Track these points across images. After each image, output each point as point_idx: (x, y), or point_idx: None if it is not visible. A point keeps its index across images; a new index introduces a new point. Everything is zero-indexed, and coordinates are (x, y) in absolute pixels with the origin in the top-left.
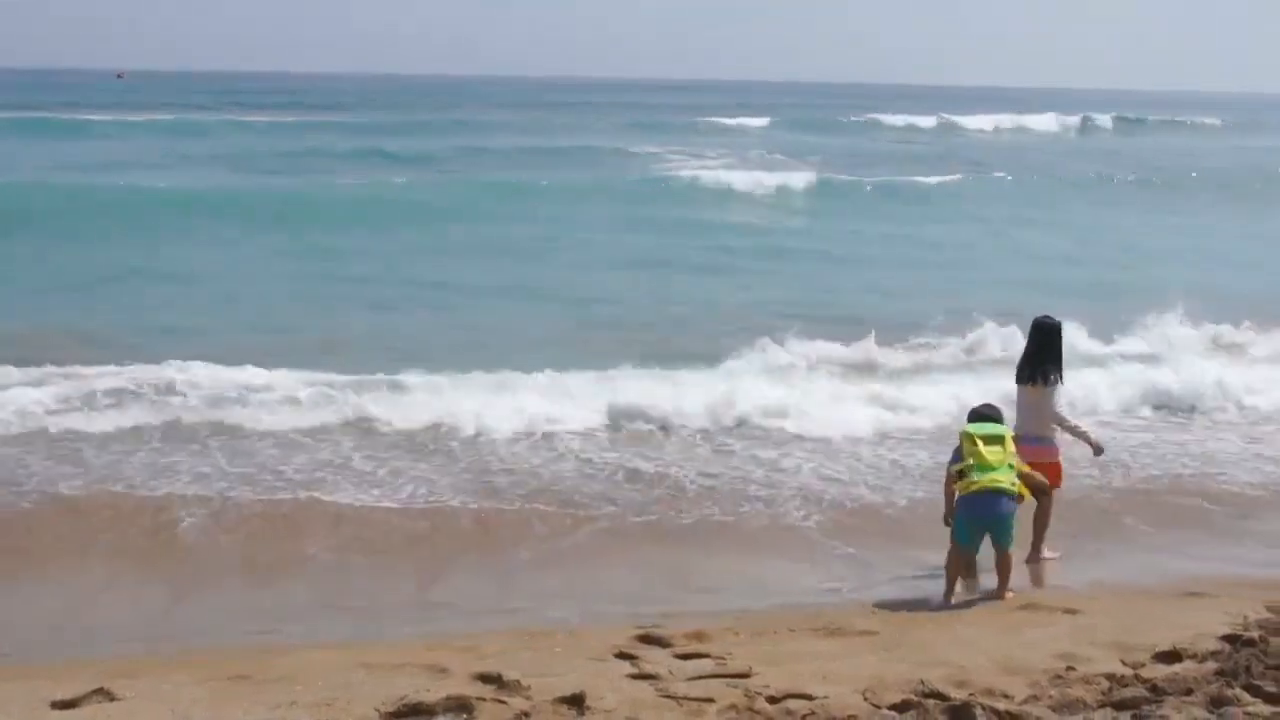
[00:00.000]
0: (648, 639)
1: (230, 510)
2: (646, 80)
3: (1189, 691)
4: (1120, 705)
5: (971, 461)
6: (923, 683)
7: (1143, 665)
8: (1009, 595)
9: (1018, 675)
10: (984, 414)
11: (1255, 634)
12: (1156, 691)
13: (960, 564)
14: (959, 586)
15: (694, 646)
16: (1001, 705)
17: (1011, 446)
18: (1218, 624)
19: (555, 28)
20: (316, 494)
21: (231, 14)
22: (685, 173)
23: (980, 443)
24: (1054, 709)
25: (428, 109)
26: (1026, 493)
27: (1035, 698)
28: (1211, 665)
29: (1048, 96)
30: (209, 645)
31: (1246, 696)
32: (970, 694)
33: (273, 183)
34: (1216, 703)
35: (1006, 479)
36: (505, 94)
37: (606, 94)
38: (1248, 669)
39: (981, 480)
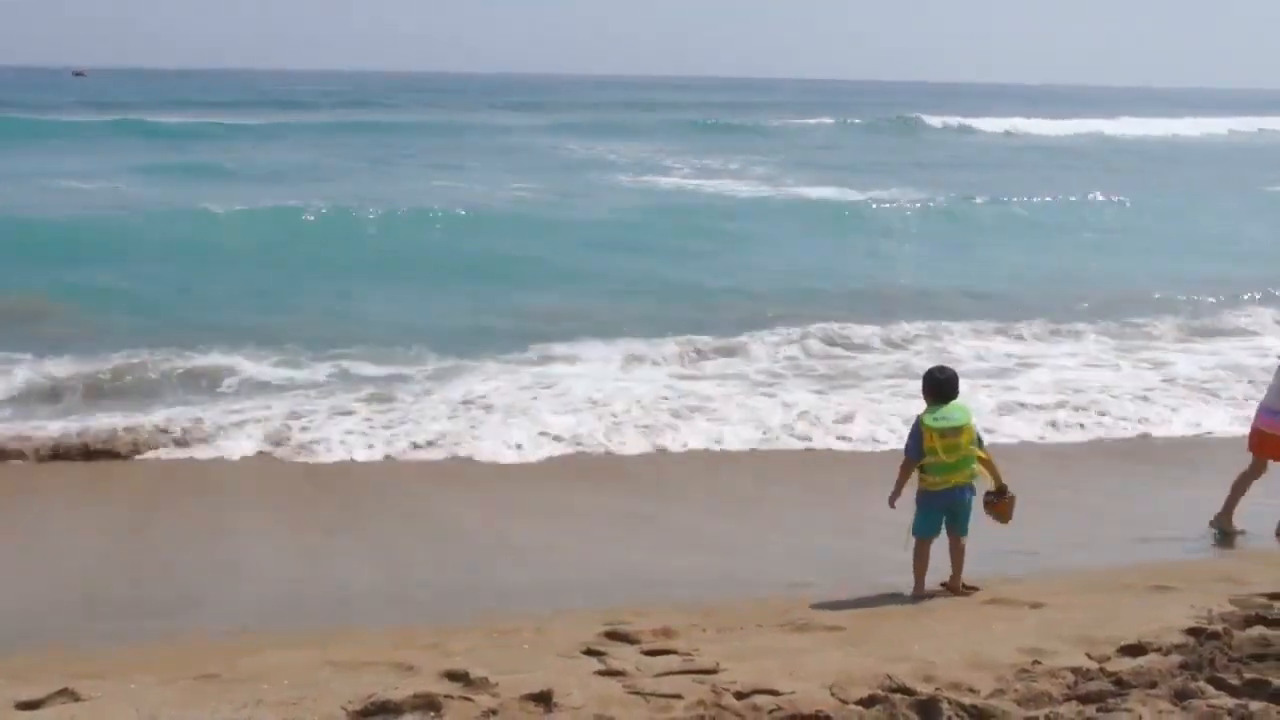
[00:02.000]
0: (615, 635)
1: None
2: (650, 78)
3: (1154, 684)
4: (1086, 699)
5: (930, 460)
6: (890, 677)
7: (1108, 659)
8: (965, 587)
9: (984, 669)
10: (939, 384)
11: (1219, 627)
12: (1121, 685)
13: (925, 556)
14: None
15: (661, 643)
16: (968, 699)
17: (970, 435)
18: (1182, 617)
19: (553, 26)
20: None
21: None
22: None
23: (938, 439)
24: (1020, 703)
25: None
26: (989, 477)
27: (1001, 691)
28: (1176, 658)
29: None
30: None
31: (1210, 689)
32: (937, 688)
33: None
34: (1181, 695)
35: (965, 476)
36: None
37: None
38: (1211, 661)
39: (940, 482)
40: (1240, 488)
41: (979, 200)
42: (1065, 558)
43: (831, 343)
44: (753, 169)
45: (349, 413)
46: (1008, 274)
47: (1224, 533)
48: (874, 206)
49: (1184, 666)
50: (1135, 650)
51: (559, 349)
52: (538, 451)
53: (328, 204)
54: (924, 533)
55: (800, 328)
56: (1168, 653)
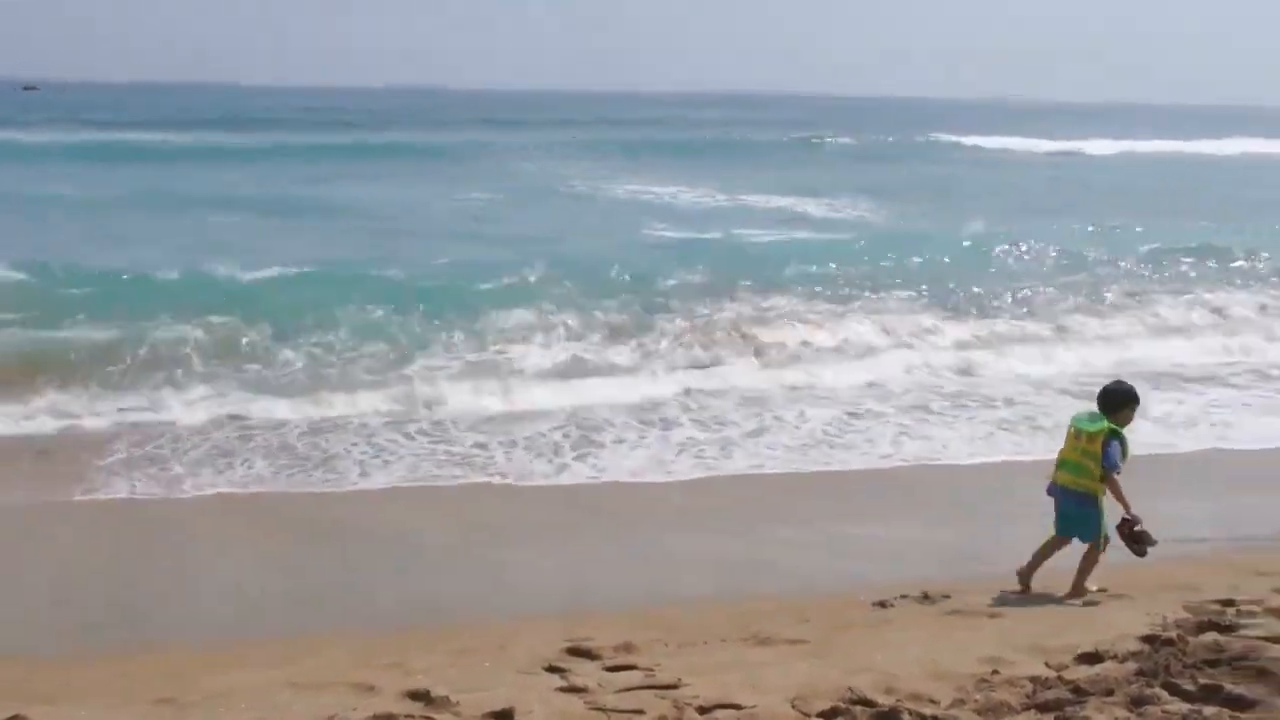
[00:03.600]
0: (576, 652)
1: None
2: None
3: (1110, 692)
4: (1044, 707)
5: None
6: (851, 689)
7: (1066, 667)
8: (1090, 590)
9: (944, 680)
10: (1103, 394)
11: (1174, 634)
12: (1079, 692)
13: (1044, 548)
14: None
15: (623, 658)
16: (928, 710)
17: (1090, 446)
18: (1138, 625)
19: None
20: None
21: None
22: None
23: (1070, 435)
24: (980, 713)
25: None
26: (1098, 487)
27: (961, 701)
28: (1132, 665)
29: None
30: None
31: (1165, 695)
32: (897, 700)
33: None
34: (1137, 702)
35: (1071, 478)
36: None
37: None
38: (1166, 668)
39: (1055, 475)
40: None
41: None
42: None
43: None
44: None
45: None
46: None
47: None
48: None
49: (1140, 673)
50: (1092, 658)
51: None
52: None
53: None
54: (1054, 529)
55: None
56: (1124, 660)
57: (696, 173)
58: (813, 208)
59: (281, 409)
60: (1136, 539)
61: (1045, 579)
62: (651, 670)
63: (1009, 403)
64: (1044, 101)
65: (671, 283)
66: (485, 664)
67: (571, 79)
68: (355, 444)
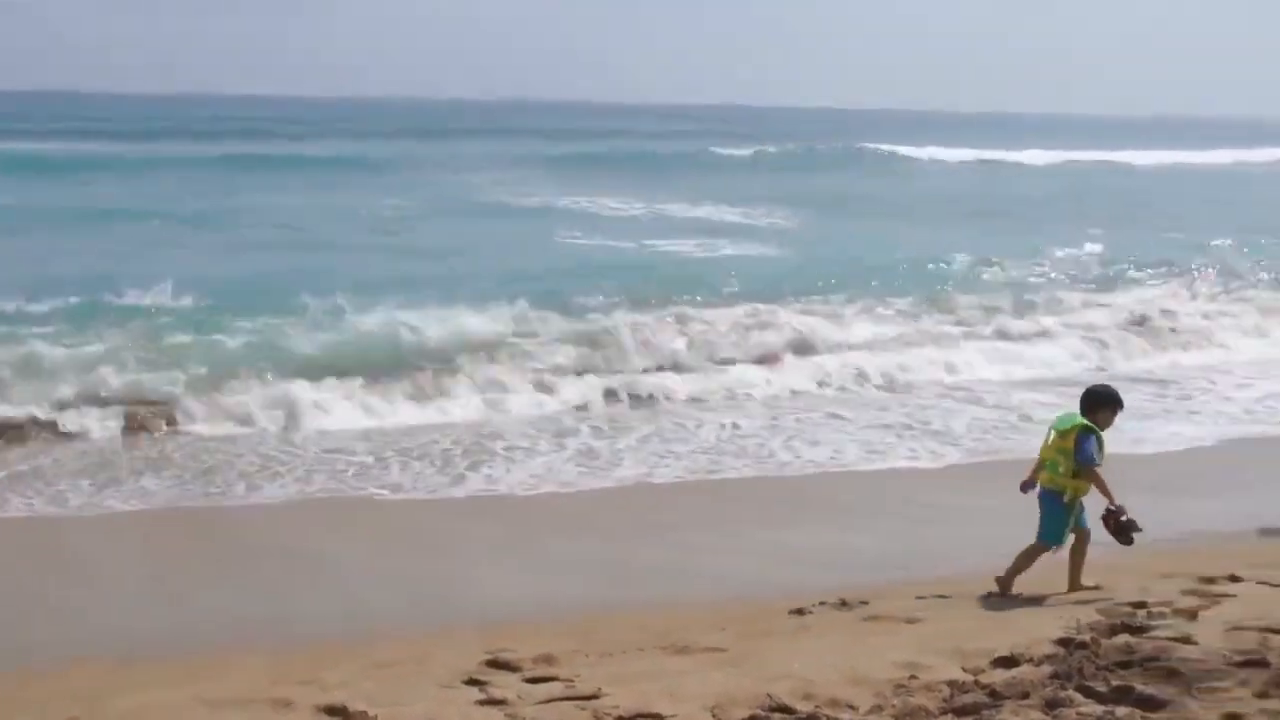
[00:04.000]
0: (496, 664)
1: None
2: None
3: (1026, 695)
4: (961, 711)
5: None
6: (770, 697)
7: (982, 671)
8: (1085, 586)
9: (862, 685)
10: (1084, 394)
11: (1087, 637)
12: (995, 696)
13: (1028, 552)
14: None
15: (542, 670)
16: (846, 716)
17: (1060, 439)
18: (1052, 628)
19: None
20: None
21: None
22: None
23: (1052, 434)
24: (897, 717)
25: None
26: (1072, 487)
27: (879, 707)
28: (1047, 668)
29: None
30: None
31: (1080, 697)
32: (816, 706)
33: None
34: (1051, 705)
35: (1045, 477)
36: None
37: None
38: (1080, 670)
39: (1038, 476)
40: None
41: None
42: (937, 571)
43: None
44: None
45: None
46: None
47: None
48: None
49: (1054, 676)
50: (1008, 662)
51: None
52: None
53: None
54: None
55: None
56: (1039, 663)
57: (618, 183)
58: (731, 216)
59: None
60: (1122, 529)
61: (951, 585)
62: (571, 681)
63: (921, 409)
64: (972, 112)
65: (578, 292)
66: (403, 677)
67: (506, 90)
68: (243, 455)
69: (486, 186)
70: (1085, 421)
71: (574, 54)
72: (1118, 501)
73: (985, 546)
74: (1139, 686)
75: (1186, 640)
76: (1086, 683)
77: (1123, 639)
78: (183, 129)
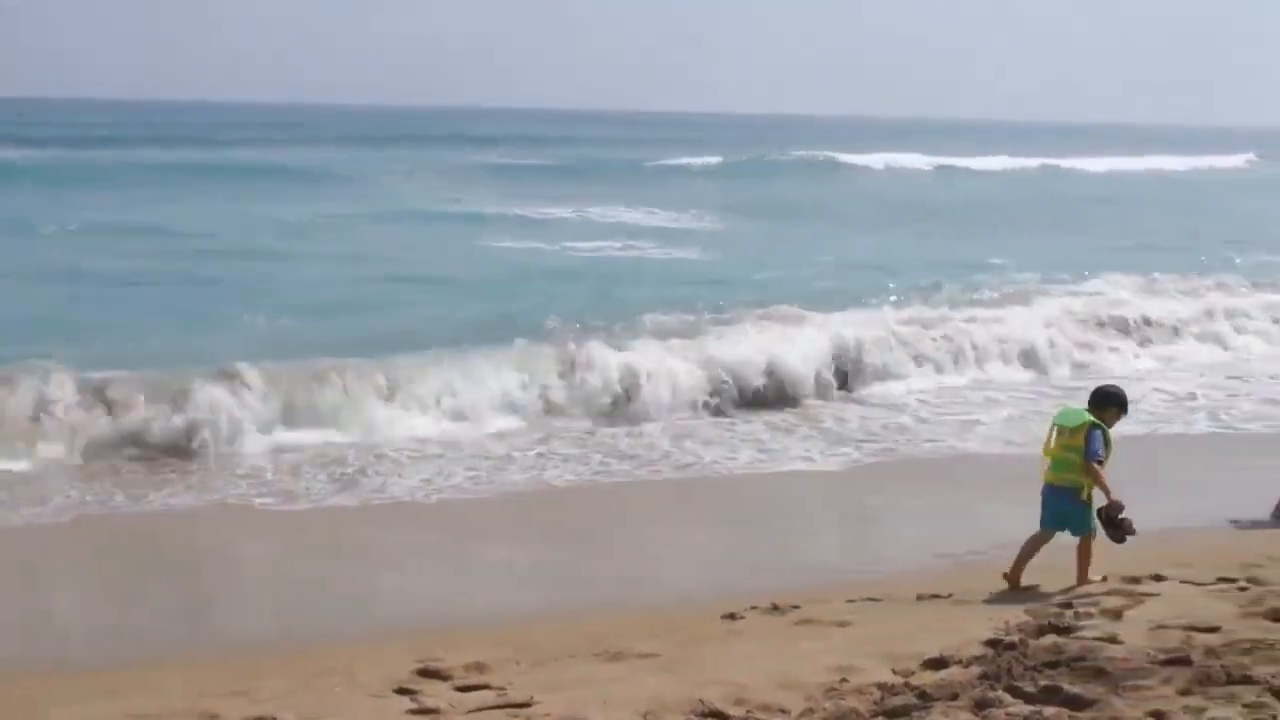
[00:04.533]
0: (427, 673)
1: None
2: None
3: (955, 696)
4: (891, 714)
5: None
6: (702, 702)
7: (912, 673)
8: (1093, 580)
9: (793, 689)
10: (1091, 394)
11: (1015, 637)
12: (925, 698)
13: (1030, 544)
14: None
15: (474, 678)
16: None
17: (1070, 436)
18: (981, 629)
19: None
20: None
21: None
22: None
23: (1053, 433)
24: None
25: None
26: (1087, 482)
27: (810, 710)
28: (976, 669)
29: None
30: None
31: (1008, 697)
32: (748, 711)
33: None
34: (981, 705)
35: (1055, 476)
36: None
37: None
38: (1009, 671)
39: (1044, 473)
40: None
41: None
42: (869, 574)
43: None
44: None
45: None
46: None
47: None
48: None
49: (983, 677)
50: (937, 664)
51: None
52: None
53: None
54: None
55: None
56: (968, 664)
57: (551, 189)
58: (660, 221)
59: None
60: (1116, 525)
61: (882, 587)
62: (503, 689)
63: (840, 419)
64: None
65: (492, 296)
66: (334, 688)
67: (453, 97)
68: (164, 468)
69: (413, 193)
70: (1093, 418)
71: (519, 61)
72: (1114, 497)
73: (915, 548)
74: (1066, 686)
75: (1112, 640)
76: (1015, 683)
77: (1050, 639)
78: (100, 136)
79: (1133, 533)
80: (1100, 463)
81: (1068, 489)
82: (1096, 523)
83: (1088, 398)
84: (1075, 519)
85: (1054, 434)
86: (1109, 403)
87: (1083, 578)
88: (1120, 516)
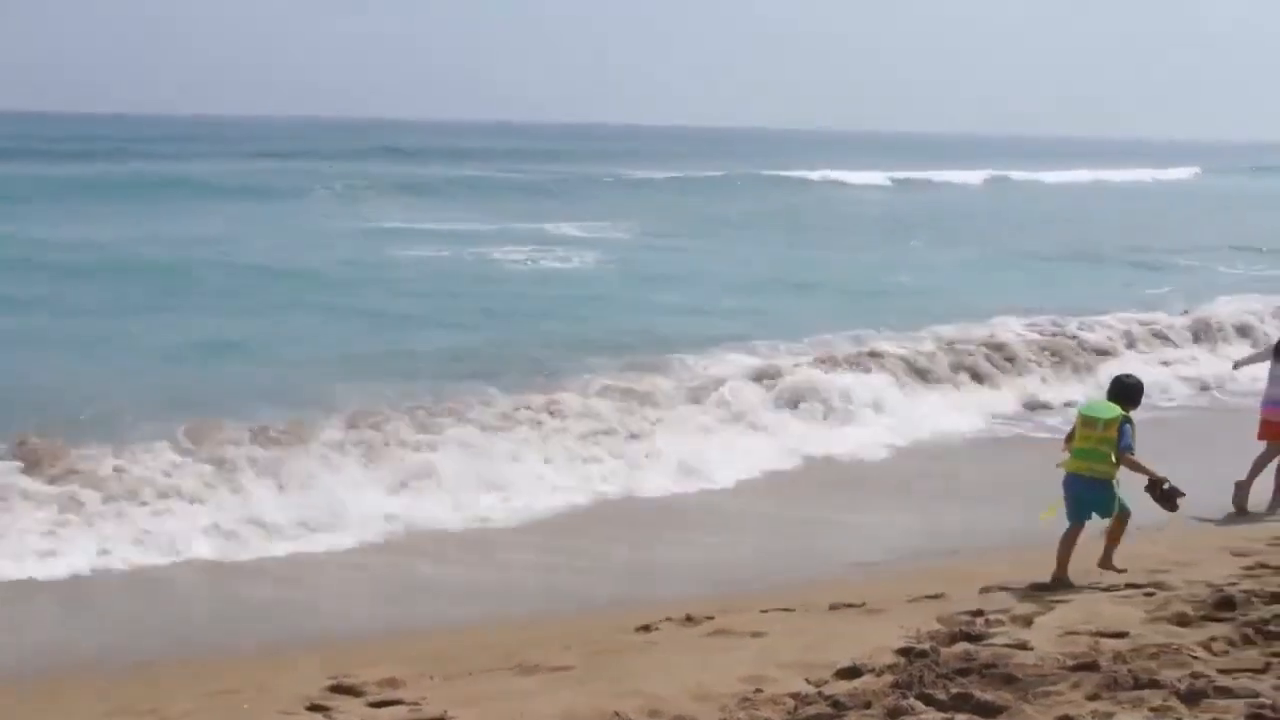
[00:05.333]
0: (340, 689)
1: None
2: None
3: (868, 705)
4: None
5: (1072, 445)
6: (617, 714)
7: (825, 682)
8: (1116, 568)
9: (709, 700)
10: (1112, 382)
11: (927, 645)
12: (838, 707)
13: (1066, 542)
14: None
15: (388, 693)
16: None
17: (1106, 434)
18: (894, 638)
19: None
20: None
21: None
22: None
23: (1079, 424)
24: None
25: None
26: (1117, 472)
27: None
28: (889, 678)
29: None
30: None
31: (920, 705)
32: None
33: None
34: (893, 714)
35: (1085, 464)
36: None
37: None
38: (921, 679)
39: (1067, 464)
40: (1258, 468)
41: None
42: (783, 584)
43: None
44: None
45: None
46: None
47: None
48: None
49: (896, 685)
50: (851, 673)
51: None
52: None
53: None
54: (1067, 516)
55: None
56: (880, 673)
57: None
58: (573, 231)
59: None
60: (1167, 496)
61: (795, 594)
62: (417, 704)
63: (755, 426)
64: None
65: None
66: (245, 705)
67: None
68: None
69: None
70: (1124, 412)
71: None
72: (1159, 474)
73: (824, 557)
74: (977, 693)
75: (1023, 646)
76: (927, 691)
77: (961, 647)
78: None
79: (1183, 495)
80: (1132, 453)
81: (1099, 480)
82: (1123, 503)
83: (1108, 387)
84: (1104, 504)
85: (1081, 424)
86: (1134, 392)
87: (1108, 557)
88: (1167, 487)
